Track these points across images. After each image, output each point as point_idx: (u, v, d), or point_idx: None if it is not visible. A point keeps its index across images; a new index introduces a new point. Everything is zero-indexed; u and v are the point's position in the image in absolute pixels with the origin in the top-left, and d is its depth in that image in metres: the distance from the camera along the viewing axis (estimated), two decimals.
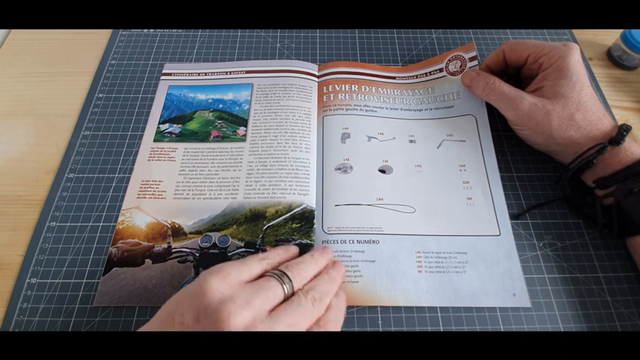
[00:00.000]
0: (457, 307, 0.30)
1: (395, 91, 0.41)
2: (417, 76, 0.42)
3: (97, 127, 0.39)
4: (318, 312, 0.24)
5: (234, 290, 0.22)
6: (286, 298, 0.24)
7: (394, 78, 0.42)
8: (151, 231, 0.33)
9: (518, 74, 0.38)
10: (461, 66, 0.40)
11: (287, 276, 0.24)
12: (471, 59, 0.39)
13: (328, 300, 0.25)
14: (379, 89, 0.41)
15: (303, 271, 0.25)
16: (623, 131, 0.30)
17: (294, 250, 0.29)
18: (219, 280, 0.22)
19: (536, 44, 0.34)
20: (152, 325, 0.23)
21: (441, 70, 0.41)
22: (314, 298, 0.24)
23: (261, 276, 0.25)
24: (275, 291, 0.23)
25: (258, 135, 0.38)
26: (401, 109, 0.40)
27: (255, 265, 0.25)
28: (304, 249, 0.32)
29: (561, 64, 0.32)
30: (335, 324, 0.25)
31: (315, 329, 0.23)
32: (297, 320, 0.23)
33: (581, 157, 0.31)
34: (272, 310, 0.23)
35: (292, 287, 0.24)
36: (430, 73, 0.42)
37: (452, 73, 0.40)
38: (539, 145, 0.34)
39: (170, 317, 0.22)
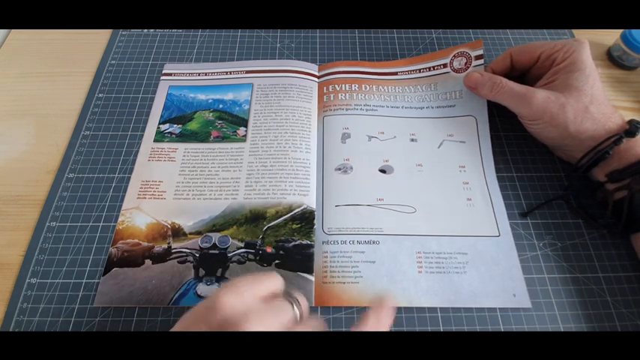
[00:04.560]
0: (457, 307, 0.30)
1: (396, 88, 0.41)
2: (419, 70, 0.42)
3: (97, 127, 0.39)
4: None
5: (247, 306, 0.22)
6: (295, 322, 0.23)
7: (396, 74, 0.42)
8: (151, 231, 0.33)
9: (520, 78, 0.38)
10: (466, 63, 0.39)
11: (297, 299, 0.24)
12: (477, 57, 0.39)
13: None
14: (380, 87, 0.41)
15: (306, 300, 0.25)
16: (637, 124, 0.31)
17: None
18: (234, 296, 0.22)
19: (547, 43, 0.35)
20: None
21: (444, 65, 0.41)
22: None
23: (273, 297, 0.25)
24: (287, 312, 0.23)
25: (259, 135, 0.38)
26: (402, 107, 0.40)
27: (270, 283, 0.24)
28: (304, 249, 0.32)
29: (575, 57, 0.33)
30: None
31: None
32: None
33: (597, 147, 0.31)
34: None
35: (301, 311, 0.24)
36: (434, 67, 0.41)
37: (456, 70, 0.40)
38: (553, 139, 0.34)
39: (183, 328, 0.22)
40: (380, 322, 0.24)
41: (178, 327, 0.22)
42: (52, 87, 0.42)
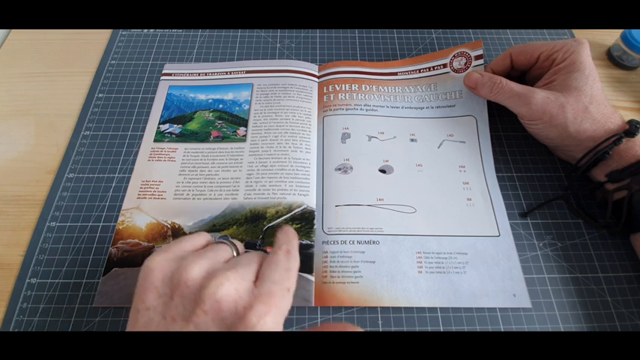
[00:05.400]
0: (457, 307, 0.30)
1: (396, 88, 0.41)
2: (419, 70, 0.42)
3: (97, 127, 0.39)
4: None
5: (181, 255, 0.23)
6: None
7: (396, 74, 0.42)
8: (151, 231, 0.33)
9: (520, 78, 0.38)
10: (466, 63, 0.39)
11: (233, 243, 0.26)
12: (477, 57, 0.39)
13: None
14: (380, 87, 0.41)
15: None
16: (636, 124, 0.31)
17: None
18: (163, 254, 0.23)
19: (546, 43, 0.35)
20: (128, 324, 0.23)
21: (444, 65, 0.41)
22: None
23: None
24: (224, 249, 0.25)
25: (259, 135, 0.38)
26: (402, 107, 0.40)
27: (197, 238, 0.26)
28: (304, 249, 0.32)
29: (574, 58, 0.33)
30: (289, 245, 0.25)
31: (272, 254, 0.24)
32: (253, 259, 0.24)
33: (597, 148, 0.31)
34: (226, 261, 0.24)
35: (237, 248, 0.26)
36: (433, 67, 0.41)
37: (456, 70, 0.40)
38: (552, 139, 0.34)
39: (135, 309, 0.22)
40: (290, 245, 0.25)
41: (134, 304, 0.22)
42: (52, 87, 0.42)
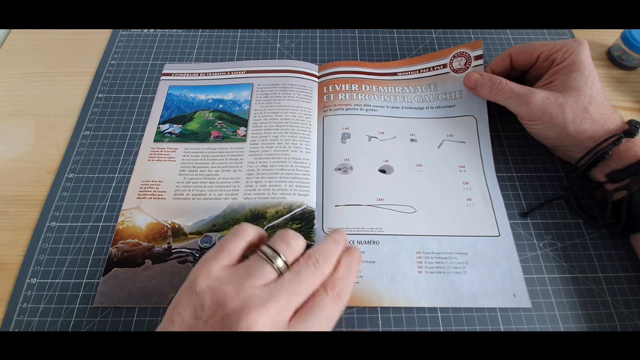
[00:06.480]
0: (457, 307, 0.30)
1: (396, 88, 0.41)
2: (419, 71, 0.42)
3: (97, 127, 0.39)
4: (321, 274, 0.23)
5: (221, 279, 0.22)
6: (281, 274, 0.23)
7: (396, 74, 0.42)
8: (151, 231, 0.33)
9: (520, 78, 0.38)
10: (465, 63, 0.39)
11: (275, 252, 0.23)
12: (477, 57, 0.39)
13: (334, 259, 0.24)
14: (380, 87, 0.41)
15: (292, 241, 0.24)
16: (636, 124, 0.31)
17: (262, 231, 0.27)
18: (205, 276, 0.22)
19: (546, 43, 0.35)
20: (160, 327, 0.23)
21: (444, 65, 0.41)
22: (316, 261, 0.23)
23: (245, 256, 0.24)
24: (265, 269, 0.23)
25: (259, 135, 0.38)
26: (402, 107, 0.40)
27: (232, 246, 0.24)
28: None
29: (574, 58, 0.33)
30: (344, 283, 0.23)
31: (322, 293, 0.22)
32: (297, 287, 0.22)
33: (596, 148, 0.31)
34: (267, 284, 0.22)
35: (285, 261, 0.23)
36: (433, 68, 0.41)
37: (456, 71, 0.40)
38: (552, 139, 0.34)
39: (170, 319, 0.22)
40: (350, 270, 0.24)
41: (170, 312, 0.22)
42: (52, 87, 0.42)
